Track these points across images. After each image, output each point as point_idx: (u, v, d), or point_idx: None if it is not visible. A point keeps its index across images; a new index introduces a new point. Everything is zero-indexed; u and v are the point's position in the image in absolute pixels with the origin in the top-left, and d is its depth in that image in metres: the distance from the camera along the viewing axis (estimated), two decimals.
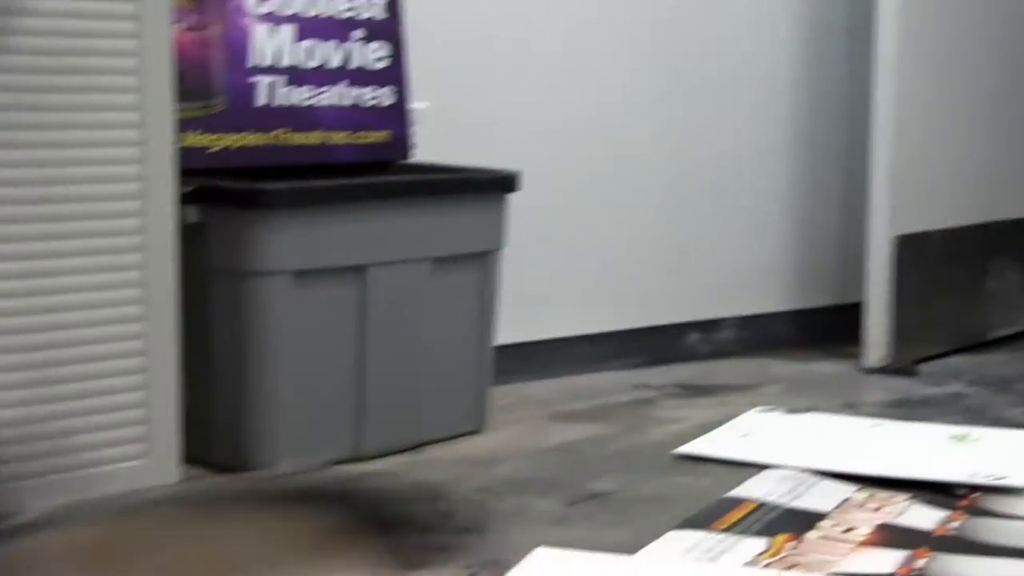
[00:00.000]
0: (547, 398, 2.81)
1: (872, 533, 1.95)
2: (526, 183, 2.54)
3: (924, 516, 2.03)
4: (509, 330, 2.79)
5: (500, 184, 2.50)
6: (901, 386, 2.95)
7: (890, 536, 1.94)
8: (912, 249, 3.14)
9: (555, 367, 3.00)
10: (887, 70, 3.04)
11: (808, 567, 1.81)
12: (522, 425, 2.59)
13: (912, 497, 2.11)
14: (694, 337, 3.26)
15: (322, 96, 2.49)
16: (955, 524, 1.99)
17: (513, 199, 2.52)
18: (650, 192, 3.15)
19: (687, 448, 2.41)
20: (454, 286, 2.43)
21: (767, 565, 1.82)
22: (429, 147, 2.64)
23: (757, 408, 2.71)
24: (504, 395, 2.73)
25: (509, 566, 1.79)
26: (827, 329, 3.42)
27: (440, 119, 2.71)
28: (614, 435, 2.54)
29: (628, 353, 3.13)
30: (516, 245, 2.61)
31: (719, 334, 3.31)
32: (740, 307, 3.34)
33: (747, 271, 3.34)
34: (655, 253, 3.17)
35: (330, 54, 2.50)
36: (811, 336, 3.42)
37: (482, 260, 2.48)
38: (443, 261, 2.40)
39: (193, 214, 2.20)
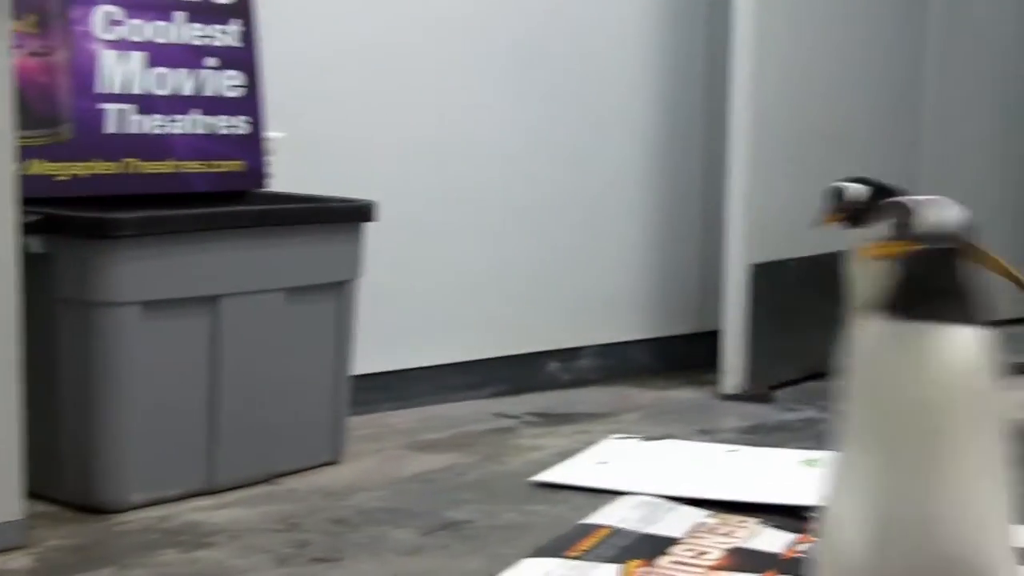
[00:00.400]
0: (406, 428, 2.81)
1: (723, 557, 1.98)
2: (383, 211, 2.54)
3: (774, 540, 2.07)
4: (368, 359, 2.78)
5: (356, 214, 2.50)
6: (757, 412, 3.00)
7: (740, 560, 1.97)
8: (767, 277, 3.20)
9: (414, 396, 2.99)
10: (742, 101, 3.10)
11: None
12: (380, 455, 2.59)
13: (763, 521, 2.15)
14: (554, 366, 3.28)
15: (174, 124, 2.46)
16: (803, 547, 2.03)
17: (370, 228, 2.52)
18: (508, 221, 3.17)
19: (544, 476, 2.42)
20: (310, 316, 2.42)
21: None
22: (285, 177, 2.62)
23: (614, 435, 2.74)
24: (363, 425, 2.72)
25: None
26: (685, 357, 3.47)
27: (296, 149, 2.70)
28: (472, 464, 2.54)
29: (488, 382, 3.14)
30: (374, 274, 2.60)
31: (578, 362, 3.33)
32: (599, 335, 3.37)
33: (606, 300, 3.37)
34: (514, 282, 3.19)
35: (182, 82, 2.47)
36: (670, 364, 3.47)
37: (338, 290, 2.47)
38: (298, 291, 2.39)
39: (37, 244, 2.16)
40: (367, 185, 2.66)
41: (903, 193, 2.59)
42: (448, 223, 3.05)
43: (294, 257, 2.39)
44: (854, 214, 2.53)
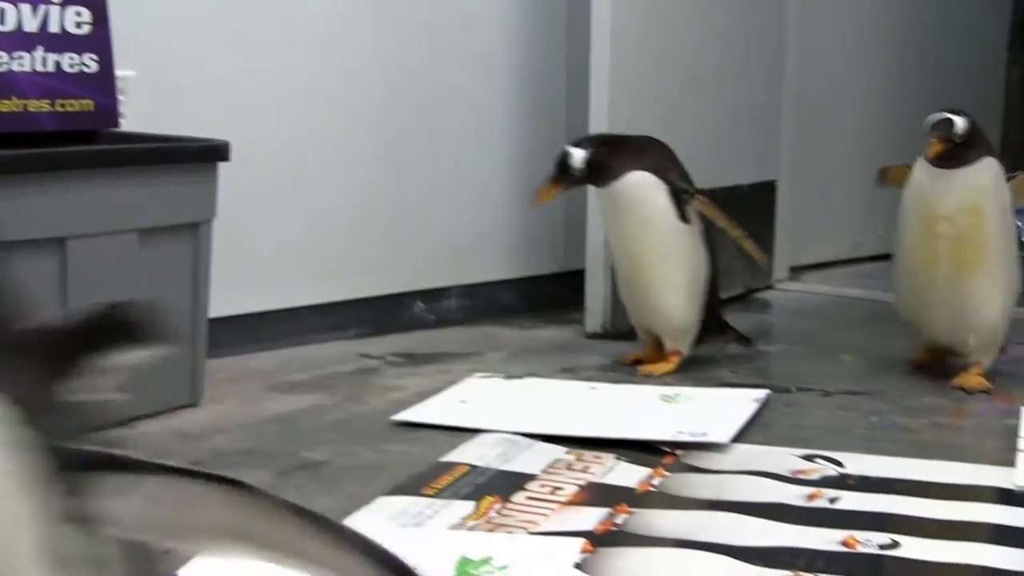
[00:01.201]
0: (268, 370, 2.80)
1: (577, 493, 2.02)
2: (243, 153, 2.52)
3: (629, 474, 2.11)
4: (230, 302, 2.77)
5: (209, 154, 2.47)
6: (620, 350, 3.03)
7: (594, 495, 2.01)
8: None
9: (277, 338, 2.98)
10: (601, 37, 3.12)
11: (511, 528, 1.87)
12: (240, 397, 2.58)
13: (619, 456, 2.19)
14: (419, 306, 3.29)
15: (18, 61, 2.41)
16: (657, 481, 2.08)
17: (231, 170, 2.50)
18: (370, 161, 3.16)
19: (405, 415, 2.44)
20: (163, 258, 2.39)
21: (472, 527, 1.87)
22: (138, 116, 2.59)
23: (477, 374, 2.76)
24: (224, 368, 2.71)
25: None
26: (552, 296, 3.50)
27: (148, 88, 2.66)
28: (333, 405, 2.55)
29: (352, 323, 3.14)
30: (235, 216, 2.59)
31: (444, 303, 3.35)
32: (465, 276, 3.39)
33: (471, 240, 3.39)
34: (378, 223, 3.18)
35: (25, 18, 2.42)
36: (536, 303, 3.50)
37: (192, 231, 2.45)
38: (151, 232, 2.36)
39: None
40: (223, 126, 2.62)
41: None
42: (311, 164, 3.03)
43: (146, 198, 2.36)
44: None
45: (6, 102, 2.40)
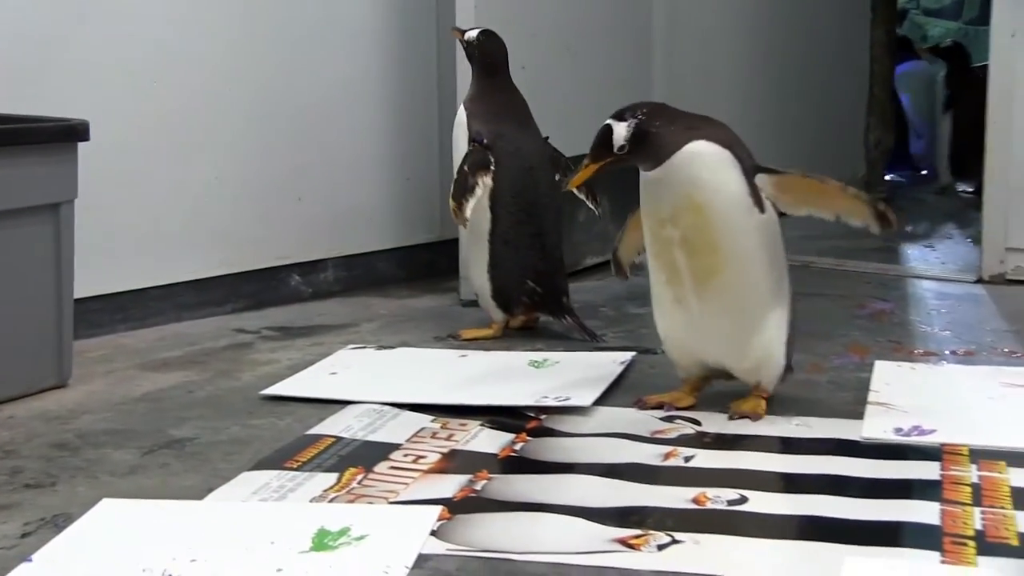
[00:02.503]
0: (140, 348, 2.76)
1: (439, 460, 2.01)
2: (104, 132, 2.47)
3: (492, 441, 2.11)
4: (101, 281, 2.73)
5: (68, 133, 2.41)
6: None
7: (456, 462, 2.00)
8: None
9: (152, 316, 2.94)
10: (466, 7, 3.11)
11: (372, 498, 1.86)
12: (110, 376, 2.54)
13: (485, 423, 2.19)
14: (296, 279, 3.27)
15: None
16: (519, 446, 2.08)
17: (101, 146, 2.45)
18: (245, 137, 3.12)
19: (273, 389, 2.41)
20: (23, 239, 2.34)
21: (333, 499, 1.86)
22: None
23: (349, 346, 2.74)
24: (95, 347, 2.68)
25: (74, 519, 1.76)
26: (430, 265, 3.50)
27: (5, 68, 2.60)
28: (204, 381, 2.52)
29: (228, 298, 3.11)
30: (102, 195, 2.55)
31: (322, 275, 3.32)
32: (343, 247, 3.36)
33: (347, 211, 3.36)
34: (254, 197, 3.15)
35: None
36: (415, 273, 3.49)
37: (53, 212, 2.39)
38: (8, 214, 2.31)
39: None
40: (83, 106, 2.58)
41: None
42: (182, 139, 2.99)
43: (3, 179, 2.31)
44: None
45: None
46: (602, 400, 2.29)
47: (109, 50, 2.84)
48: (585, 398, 2.28)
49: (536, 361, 2.58)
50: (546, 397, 2.30)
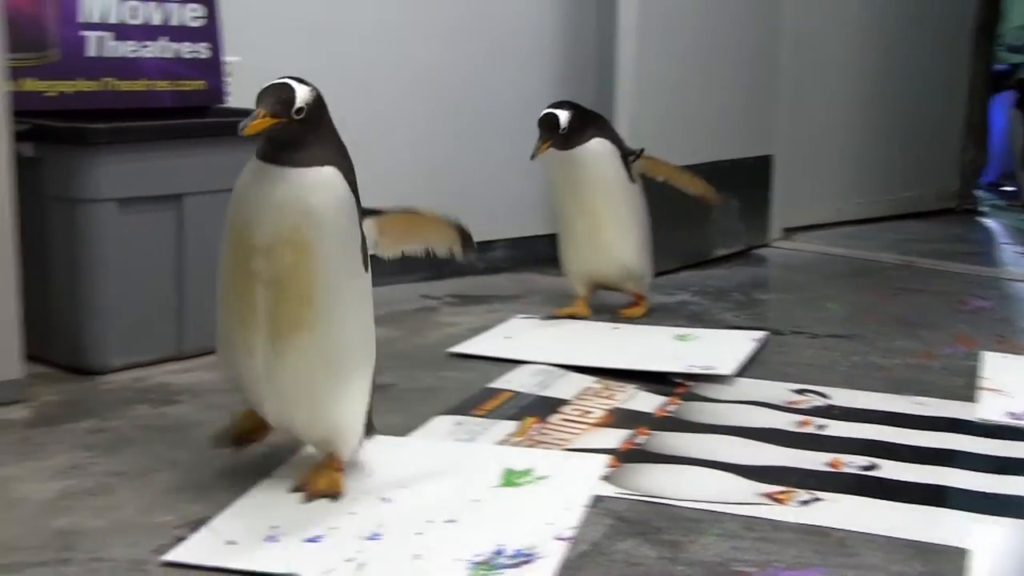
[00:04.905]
0: None
1: (604, 416, 2.00)
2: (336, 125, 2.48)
3: (648, 401, 2.08)
4: None
5: None
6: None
7: (618, 418, 1.98)
8: (651, 181, 3.18)
9: None
10: (628, 30, 3.07)
11: (548, 444, 1.85)
12: None
13: (639, 386, 2.17)
14: (472, 256, 3.25)
15: (145, 49, 2.39)
16: (672, 407, 2.05)
17: None
18: (437, 131, 3.12)
19: (458, 348, 2.42)
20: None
21: (516, 443, 1.85)
22: (240, 95, 2.56)
23: (519, 315, 2.73)
24: None
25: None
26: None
27: (250, 71, 2.63)
28: (400, 337, 2.53)
29: (415, 269, 3.11)
30: None
31: (492, 253, 3.32)
32: (510, 231, 3.35)
33: (518, 200, 3.34)
34: (441, 184, 3.15)
35: (152, 13, 2.39)
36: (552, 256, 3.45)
37: None
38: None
39: (29, 149, 2.11)
40: None
41: (600, 115, 2.65)
42: (383, 133, 3.00)
43: (244, 163, 2.33)
44: (562, 137, 2.56)
45: (136, 82, 2.38)
46: (740, 372, 2.25)
47: (329, 60, 2.86)
48: (727, 368, 2.24)
49: (681, 335, 2.54)
50: (693, 366, 2.26)
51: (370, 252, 1.60)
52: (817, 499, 1.61)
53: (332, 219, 1.50)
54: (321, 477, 1.60)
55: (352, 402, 1.60)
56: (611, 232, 2.66)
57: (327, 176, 1.50)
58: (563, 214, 2.70)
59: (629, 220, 2.67)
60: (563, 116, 2.56)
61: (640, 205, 2.69)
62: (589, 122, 2.62)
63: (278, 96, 1.48)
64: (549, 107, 2.59)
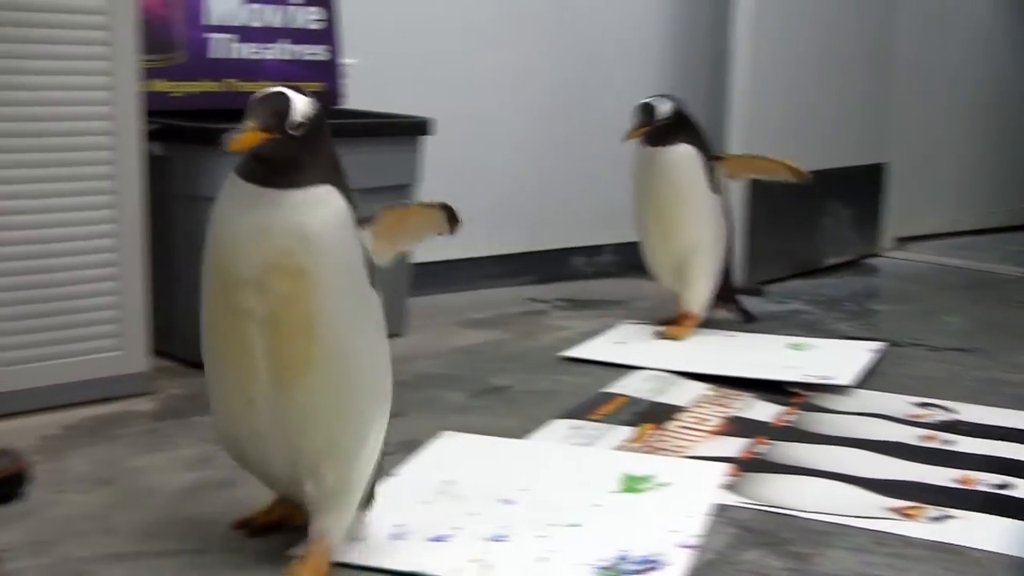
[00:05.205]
0: (455, 308, 2.79)
1: (722, 424, 1.97)
2: (443, 127, 2.50)
3: (764, 410, 2.05)
4: (426, 250, 2.75)
5: (415, 128, 2.46)
6: (750, 303, 2.96)
7: (736, 427, 1.96)
8: (762, 189, 3.15)
9: (462, 282, 2.98)
10: (745, 30, 3.04)
11: (666, 451, 1.83)
12: (434, 330, 2.58)
13: (755, 395, 2.14)
14: (579, 260, 3.26)
15: (267, 51, 2.43)
16: (791, 417, 2.02)
17: (432, 140, 2.49)
18: (546, 136, 3.12)
19: (570, 352, 2.41)
20: None
21: (633, 449, 1.84)
22: (357, 96, 2.59)
23: (628, 320, 2.72)
24: (419, 305, 2.71)
25: (421, 445, 1.79)
26: None
27: (367, 73, 2.66)
28: (510, 340, 2.53)
29: (523, 272, 3.12)
30: (435, 179, 2.57)
31: (600, 257, 3.31)
32: (619, 235, 3.33)
33: (625, 205, 3.32)
34: (551, 189, 3.16)
35: (273, 16, 2.44)
36: None
37: (400, 192, 2.43)
38: (367, 192, 2.32)
39: (158, 148, 2.16)
40: (426, 104, 2.61)
41: (697, 124, 2.56)
42: (492, 137, 3.01)
43: (363, 164, 2.33)
44: (658, 130, 2.48)
45: (256, 83, 2.41)
46: (860, 383, 2.21)
47: (444, 60, 2.88)
48: (847, 378, 2.20)
49: (795, 344, 2.50)
50: (810, 376, 2.22)
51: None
52: (948, 516, 1.57)
53: (329, 237, 1.28)
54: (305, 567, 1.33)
55: (366, 458, 1.36)
56: (681, 242, 2.55)
57: (321, 193, 1.28)
58: (639, 216, 2.62)
59: (701, 232, 2.54)
60: (662, 107, 2.50)
61: (719, 218, 2.56)
62: (684, 126, 2.53)
63: (272, 107, 1.28)
64: (650, 97, 2.54)
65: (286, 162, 1.27)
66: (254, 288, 1.27)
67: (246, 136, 1.26)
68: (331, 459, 1.33)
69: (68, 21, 1.88)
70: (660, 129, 2.50)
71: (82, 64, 1.91)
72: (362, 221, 1.33)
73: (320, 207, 1.27)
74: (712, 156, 2.55)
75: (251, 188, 1.29)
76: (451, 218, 1.42)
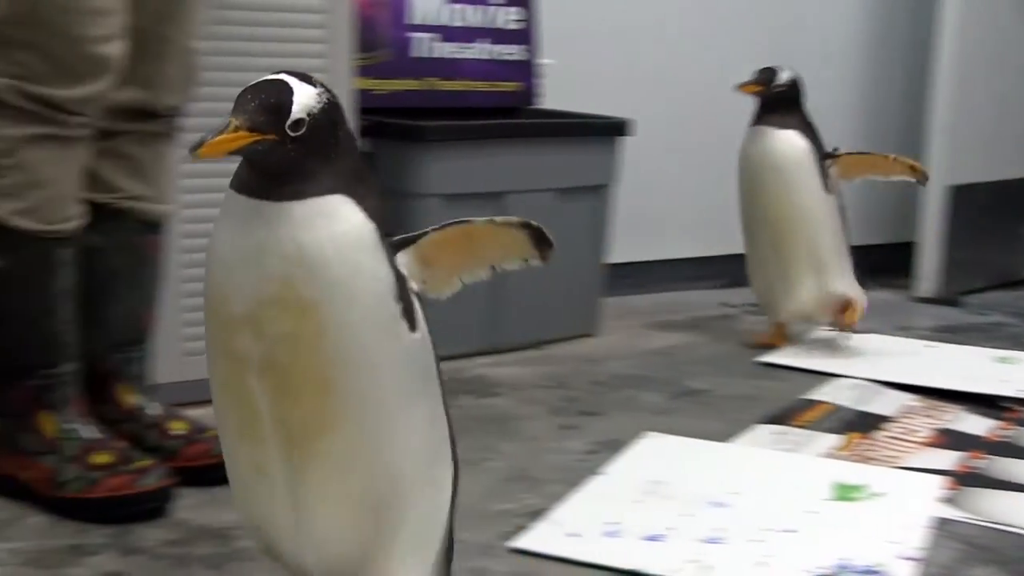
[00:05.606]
0: (647, 310, 2.77)
1: (933, 436, 1.90)
2: (643, 129, 2.49)
3: (977, 424, 1.97)
4: (620, 252, 2.75)
5: (614, 129, 2.45)
6: (948, 314, 2.87)
7: (947, 439, 1.89)
8: (961, 197, 3.05)
9: (654, 284, 2.96)
10: (950, 34, 2.94)
11: (877, 461, 1.78)
12: (627, 331, 2.56)
13: (964, 407, 2.06)
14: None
15: (466, 51, 2.46)
16: (1007, 432, 1.94)
17: (632, 142, 2.47)
18: (736, 143, 3.07)
19: (767, 357, 2.36)
20: (574, 213, 2.39)
21: (842, 458, 1.79)
22: (553, 96, 2.60)
23: (823, 327, 2.64)
24: (612, 306, 2.70)
25: (624, 445, 1.78)
26: (877, 263, 3.32)
27: (564, 73, 2.67)
28: (704, 342, 2.50)
29: (713, 276, 3.07)
30: (632, 181, 2.56)
31: None
32: None
33: None
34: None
35: (474, 16, 2.46)
36: (864, 269, 3.33)
37: (597, 192, 2.44)
38: (565, 192, 2.37)
39: (366, 145, 2.21)
40: (624, 105, 2.60)
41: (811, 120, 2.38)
42: (689, 142, 2.98)
43: (561, 163, 2.36)
44: (771, 94, 2.34)
45: (456, 82, 2.45)
46: None
47: (640, 62, 2.87)
48: None
49: (1003, 357, 2.40)
50: None
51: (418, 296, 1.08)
52: None
53: (340, 261, 0.99)
54: None
55: (403, 555, 1.07)
56: (793, 248, 2.37)
57: (329, 206, 1.00)
58: (744, 220, 2.47)
59: (814, 234, 2.38)
60: (782, 74, 2.36)
61: (835, 221, 2.41)
62: (797, 103, 2.37)
63: (265, 101, 0.98)
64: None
65: (286, 169, 0.99)
66: (250, 327, 0.99)
67: (221, 139, 0.95)
68: (370, 562, 1.05)
69: (290, 20, 1.93)
70: (774, 97, 2.34)
71: (302, 62, 1.96)
72: (400, 243, 1.06)
73: (326, 222, 0.99)
74: (825, 154, 2.37)
75: (243, 201, 1.00)
76: (540, 241, 1.16)
